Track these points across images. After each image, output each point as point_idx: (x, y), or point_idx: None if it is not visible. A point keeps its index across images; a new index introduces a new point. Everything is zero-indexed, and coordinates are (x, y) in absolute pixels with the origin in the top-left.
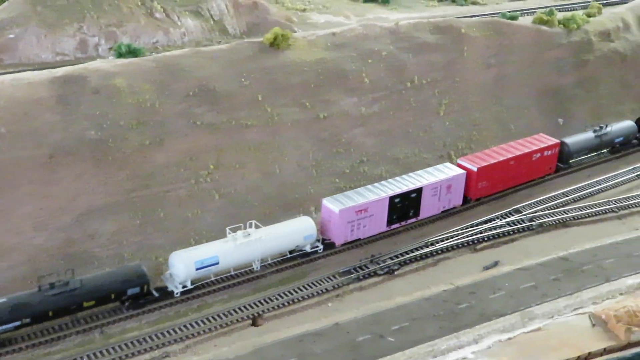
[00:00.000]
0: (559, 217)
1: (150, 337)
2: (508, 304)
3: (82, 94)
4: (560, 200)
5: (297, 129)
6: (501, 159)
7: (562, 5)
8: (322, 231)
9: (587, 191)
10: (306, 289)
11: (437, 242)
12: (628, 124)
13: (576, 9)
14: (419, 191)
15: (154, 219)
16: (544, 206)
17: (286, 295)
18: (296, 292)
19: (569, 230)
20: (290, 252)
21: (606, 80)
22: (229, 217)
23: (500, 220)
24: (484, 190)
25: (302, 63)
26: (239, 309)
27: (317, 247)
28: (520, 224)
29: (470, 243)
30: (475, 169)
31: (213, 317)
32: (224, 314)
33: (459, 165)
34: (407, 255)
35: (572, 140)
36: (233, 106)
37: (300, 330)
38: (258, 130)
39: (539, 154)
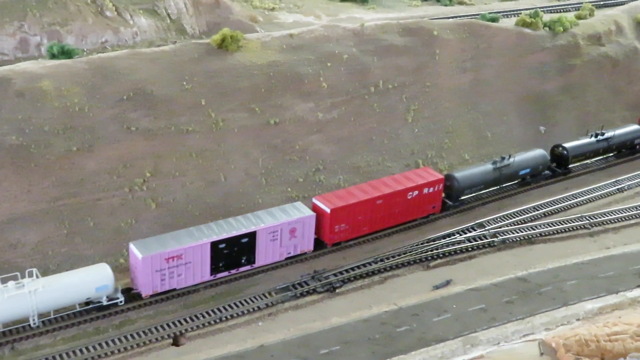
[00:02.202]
0: (524, 233)
1: (61, 356)
2: (452, 328)
3: (4, 97)
4: (530, 214)
5: (245, 135)
6: (364, 198)
7: (556, 6)
8: (131, 279)
9: (559, 205)
10: (237, 306)
11: (388, 258)
12: (538, 153)
13: (570, 10)
14: (252, 235)
15: (82, 229)
16: (510, 221)
17: (214, 313)
18: (226, 309)
19: (533, 248)
20: (87, 303)
21: (595, 87)
22: (167, 227)
23: (461, 235)
24: (343, 234)
25: (252, 66)
26: (161, 326)
27: (117, 299)
28: (481, 239)
29: (424, 259)
30: (328, 210)
31: (132, 335)
32: (143, 332)
33: (314, 205)
34: (353, 272)
35: (463, 174)
36: (172, 111)
37: (222, 352)
38: (200, 137)
39: (416, 192)
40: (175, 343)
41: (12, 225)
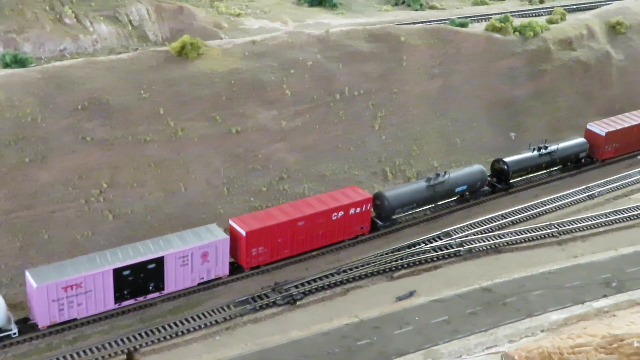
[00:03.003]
0: (491, 242)
1: None
2: (413, 341)
3: None
4: (497, 223)
5: (205, 144)
6: (283, 219)
7: (527, 10)
8: (28, 308)
9: (527, 213)
10: (194, 320)
11: (351, 269)
12: (475, 168)
13: (541, 14)
14: (159, 261)
15: (37, 242)
16: (477, 229)
17: (170, 327)
18: (183, 323)
19: (500, 257)
20: None
21: (566, 92)
22: (125, 239)
23: (426, 244)
24: (262, 258)
25: (213, 74)
26: (115, 342)
27: (11, 330)
28: (447, 249)
29: (388, 270)
30: (244, 233)
31: (84, 351)
32: (96, 348)
33: (230, 227)
34: (315, 284)
35: (393, 192)
36: (129, 120)
37: None
38: (159, 146)
39: (341, 212)
40: (130, 359)
41: None
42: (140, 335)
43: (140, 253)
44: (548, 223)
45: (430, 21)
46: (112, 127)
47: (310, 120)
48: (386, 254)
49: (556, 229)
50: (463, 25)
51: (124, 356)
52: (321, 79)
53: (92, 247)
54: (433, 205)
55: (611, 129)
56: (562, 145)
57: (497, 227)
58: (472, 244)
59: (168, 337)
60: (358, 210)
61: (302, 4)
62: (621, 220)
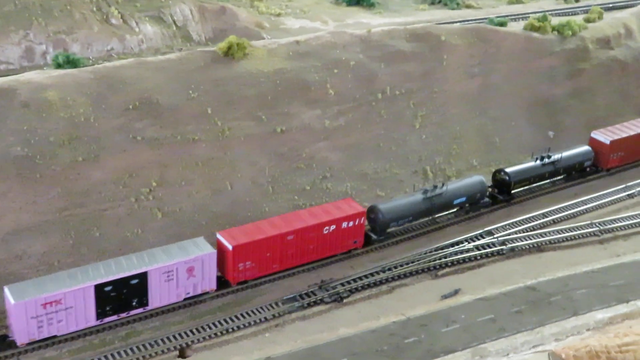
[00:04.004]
0: (533, 240)
1: None
2: (460, 339)
3: (9, 108)
4: (539, 222)
5: (251, 143)
6: (272, 233)
7: (564, 9)
8: (7, 325)
9: (568, 212)
10: (244, 317)
11: (396, 267)
12: (475, 179)
13: (578, 13)
14: (142, 276)
15: (89, 239)
16: (519, 228)
17: (220, 324)
18: (232, 320)
19: (543, 256)
20: None
21: (604, 91)
22: (173, 237)
23: (469, 243)
24: (249, 273)
25: (259, 73)
26: (167, 338)
27: None
28: (490, 247)
29: (432, 268)
30: (230, 247)
31: (138, 347)
32: (149, 344)
33: (217, 241)
34: (360, 282)
35: (388, 205)
36: (178, 120)
37: None
38: (207, 145)
39: (333, 226)
40: (182, 355)
41: (17, 236)
42: (191, 331)
43: (123, 268)
44: (589, 222)
45: (468, 20)
46: (162, 127)
47: (353, 120)
48: (430, 252)
49: (598, 228)
50: (502, 24)
51: (177, 352)
52: (363, 79)
53: (142, 245)
54: (430, 218)
55: (616, 137)
56: (565, 154)
57: (538, 226)
58: (515, 243)
59: (219, 333)
60: (351, 224)
61: (340, 3)
62: None
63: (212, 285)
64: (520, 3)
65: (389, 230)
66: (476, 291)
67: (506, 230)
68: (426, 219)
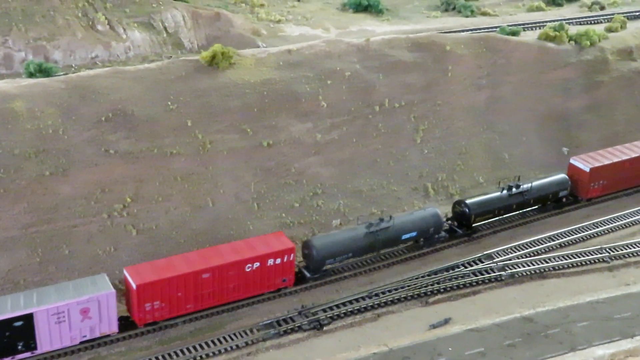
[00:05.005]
0: (536, 266)
1: None
2: None
3: None
4: (543, 245)
5: (235, 157)
6: (185, 271)
7: (586, 17)
8: None
9: (576, 236)
10: (214, 344)
11: (384, 293)
12: (428, 212)
13: (601, 22)
14: (28, 318)
15: (57, 257)
16: (521, 252)
17: (189, 351)
18: (202, 347)
19: (545, 283)
20: None
21: (625, 105)
22: (149, 255)
23: (466, 268)
24: (158, 313)
25: (245, 84)
26: None
27: None
28: (488, 273)
29: (423, 295)
30: (134, 286)
31: None
32: None
33: (125, 277)
34: (344, 308)
35: (324, 241)
36: (155, 132)
37: None
38: (186, 160)
39: (256, 264)
40: None
41: None
42: (157, 358)
43: (5, 309)
44: (599, 247)
45: (478, 29)
46: (137, 140)
47: (347, 133)
48: (422, 277)
49: (607, 254)
50: (514, 33)
51: None
52: (360, 90)
53: (114, 263)
54: (373, 254)
55: (597, 165)
56: (537, 183)
57: (542, 250)
58: (515, 268)
59: None
60: (278, 261)
61: (347, 9)
62: None
63: (112, 327)
64: (540, 10)
65: (325, 267)
66: (468, 321)
67: (508, 254)
68: (369, 255)
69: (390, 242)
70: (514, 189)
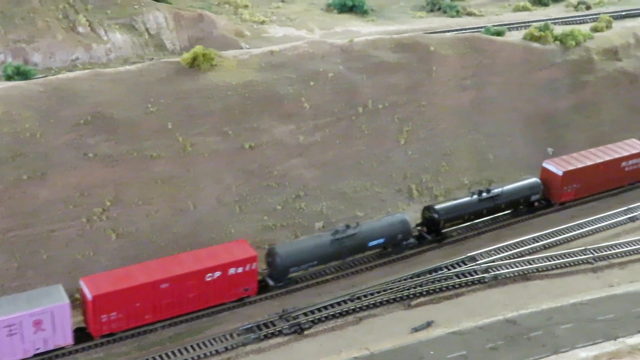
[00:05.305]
0: (519, 268)
1: None
2: None
3: None
4: (527, 247)
5: (216, 160)
6: (142, 281)
7: (572, 17)
8: None
9: (561, 237)
10: (194, 349)
11: (366, 296)
12: (396, 218)
13: (587, 22)
14: None
15: (35, 262)
16: (505, 254)
17: (168, 357)
18: (181, 353)
19: (528, 285)
20: None
21: (610, 105)
22: (129, 259)
23: (449, 270)
24: (115, 324)
25: (226, 86)
26: None
27: None
28: (471, 275)
29: (405, 297)
30: (90, 297)
31: None
32: None
33: (81, 289)
34: (325, 311)
35: (289, 248)
36: (135, 135)
37: None
38: (167, 162)
39: (217, 273)
40: None
41: None
42: None
43: None
44: (583, 248)
45: (464, 29)
46: (117, 143)
47: (331, 135)
48: (404, 279)
49: (592, 255)
50: (499, 33)
51: None
52: (343, 92)
53: (94, 268)
54: (339, 262)
55: (570, 168)
56: (508, 187)
57: (526, 252)
58: (499, 270)
59: None
60: (240, 270)
61: (332, 10)
62: None
63: (67, 339)
64: (526, 10)
65: (290, 275)
66: (451, 324)
67: (491, 256)
68: (335, 263)
69: (357, 249)
70: (484, 194)
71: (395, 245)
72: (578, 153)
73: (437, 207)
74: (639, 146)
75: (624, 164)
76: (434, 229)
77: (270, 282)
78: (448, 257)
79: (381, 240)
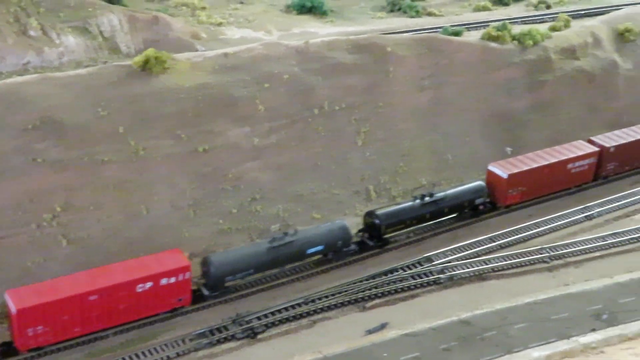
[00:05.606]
0: (475, 268)
1: None
2: None
3: None
4: (484, 247)
5: (170, 164)
6: (70, 293)
7: (532, 17)
8: None
9: (517, 236)
10: (145, 355)
11: (320, 298)
12: (335, 225)
13: (546, 21)
14: None
15: None
16: (461, 254)
17: None
18: None
19: (484, 285)
20: None
21: (569, 104)
22: (81, 265)
23: (405, 271)
24: (42, 338)
25: (179, 89)
26: None
27: None
28: (427, 276)
29: (360, 300)
30: (14, 310)
31: None
32: None
33: (7, 304)
34: (279, 315)
35: (223, 257)
36: (85, 140)
37: None
38: (119, 167)
39: (149, 283)
40: None
41: None
42: None
43: None
44: (539, 247)
45: (422, 30)
46: (67, 148)
47: (286, 137)
48: (359, 281)
49: (548, 254)
50: (457, 34)
51: None
52: (299, 93)
53: (45, 274)
54: (278, 270)
55: (515, 171)
56: (451, 191)
57: (483, 252)
58: (454, 271)
59: None
60: (173, 280)
61: (291, 11)
62: (619, 244)
63: None
64: (486, 10)
65: (226, 285)
66: (405, 325)
67: (447, 256)
68: (274, 271)
69: (295, 257)
70: (427, 198)
71: (336, 252)
72: (524, 155)
73: (378, 212)
74: (585, 148)
75: (570, 165)
76: (376, 235)
77: (205, 292)
78: (404, 259)
79: (320, 247)
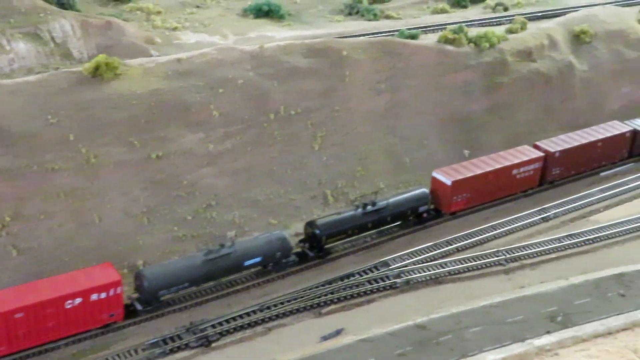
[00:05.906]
0: (431, 272)
1: None
2: None
3: None
4: (440, 251)
5: (122, 171)
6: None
7: (489, 19)
8: None
9: (474, 239)
10: None
11: (275, 305)
12: (274, 236)
13: (504, 23)
14: None
15: None
16: (417, 258)
17: None
18: None
19: (440, 289)
20: None
21: (525, 106)
22: (32, 275)
23: (361, 276)
24: None
25: (131, 95)
26: None
27: None
28: (383, 281)
29: (316, 306)
30: None
31: None
32: None
33: None
34: (234, 322)
35: (157, 271)
36: (35, 148)
37: None
38: (70, 175)
39: (78, 299)
40: None
41: None
42: None
43: None
44: (495, 250)
45: (379, 33)
46: (15, 156)
47: (242, 143)
48: (315, 287)
49: (504, 257)
50: (413, 37)
51: None
52: (254, 98)
53: None
54: (214, 283)
55: (459, 177)
56: (394, 199)
57: (439, 256)
58: (411, 275)
59: None
60: (104, 295)
61: (248, 15)
62: (575, 246)
63: None
64: (445, 12)
65: (161, 299)
66: (361, 331)
67: (403, 260)
68: (210, 284)
69: (232, 269)
70: (369, 207)
71: (275, 263)
72: (469, 161)
73: (319, 222)
74: (530, 153)
75: (514, 171)
76: (316, 245)
77: (139, 307)
78: (360, 264)
79: (258, 259)
